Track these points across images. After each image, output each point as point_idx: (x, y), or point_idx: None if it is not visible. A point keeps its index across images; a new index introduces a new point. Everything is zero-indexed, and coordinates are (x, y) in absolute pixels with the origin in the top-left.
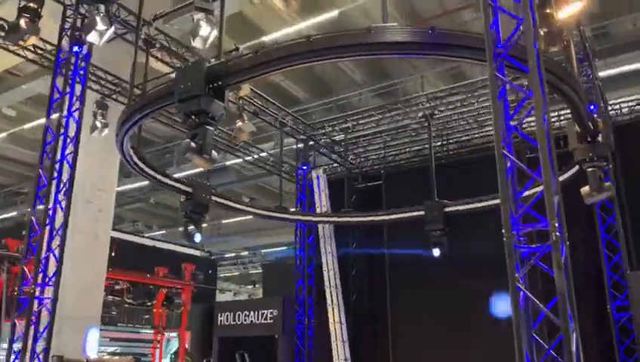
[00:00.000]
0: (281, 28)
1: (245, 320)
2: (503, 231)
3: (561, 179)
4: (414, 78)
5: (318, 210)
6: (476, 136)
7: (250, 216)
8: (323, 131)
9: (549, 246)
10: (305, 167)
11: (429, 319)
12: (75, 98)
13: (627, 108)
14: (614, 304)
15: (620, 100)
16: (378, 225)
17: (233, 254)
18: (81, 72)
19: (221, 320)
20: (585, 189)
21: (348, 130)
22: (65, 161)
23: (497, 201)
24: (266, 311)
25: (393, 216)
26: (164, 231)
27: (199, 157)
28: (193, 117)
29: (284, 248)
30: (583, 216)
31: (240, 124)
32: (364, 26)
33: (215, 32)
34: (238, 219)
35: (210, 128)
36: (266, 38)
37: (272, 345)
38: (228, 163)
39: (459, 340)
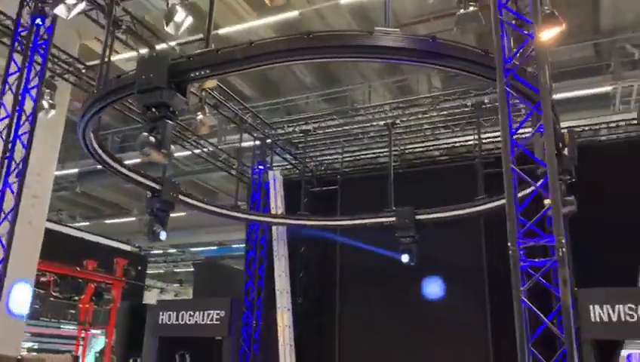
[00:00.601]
0: (235, 24)
1: (189, 320)
2: (509, 244)
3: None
4: (363, 87)
5: (272, 211)
6: (431, 148)
7: (183, 213)
8: (282, 131)
9: (555, 262)
10: (261, 167)
11: (377, 325)
12: (33, 74)
13: None
14: (559, 319)
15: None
16: (332, 229)
17: (161, 251)
18: (42, 47)
19: (163, 319)
20: (548, 202)
21: (308, 132)
22: (18, 141)
23: (468, 211)
24: (212, 312)
25: (360, 221)
26: (87, 223)
27: (157, 152)
28: (153, 109)
29: (215, 248)
30: None
31: (201, 116)
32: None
33: (190, 19)
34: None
35: (170, 122)
36: (218, 32)
37: (216, 347)
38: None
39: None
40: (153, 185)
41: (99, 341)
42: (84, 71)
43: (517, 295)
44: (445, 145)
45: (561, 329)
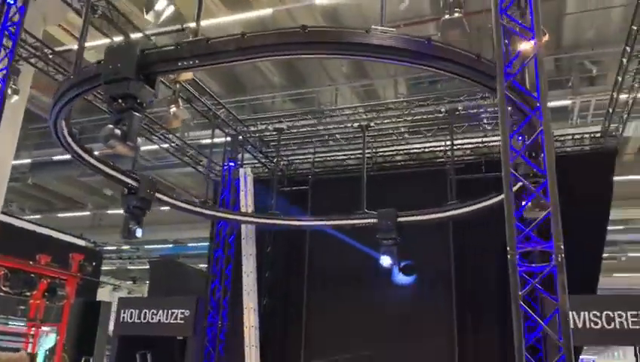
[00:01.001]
0: (204, 18)
1: (152, 319)
2: (508, 248)
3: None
4: (330, 89)
5: (242, 209)
6: (401, 152)
7: None
8: (255, 129)
9: (554, 268)
10: (232, 164)
11: (344, 325)
12: (2, 55)
13: None
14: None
15: None
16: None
17: (114, 247)
18: (13, 28)
19: (124, 317)
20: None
21: (282, 130)
22: None
23: (447, 214)
24: (176, 311)
25: (340, 222)
26: (38, 216)
27: (122, 145)
28: (119, 101)
29: (170, 246)
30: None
31: (174, 109)
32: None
33: (172, 8)
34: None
35: (137, 114)
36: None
37: (178, 347)
38: None
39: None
40: (130, 181)
41: (48, 338)
42: (51, 56)
43: (515, 299)
44: (415, 150)
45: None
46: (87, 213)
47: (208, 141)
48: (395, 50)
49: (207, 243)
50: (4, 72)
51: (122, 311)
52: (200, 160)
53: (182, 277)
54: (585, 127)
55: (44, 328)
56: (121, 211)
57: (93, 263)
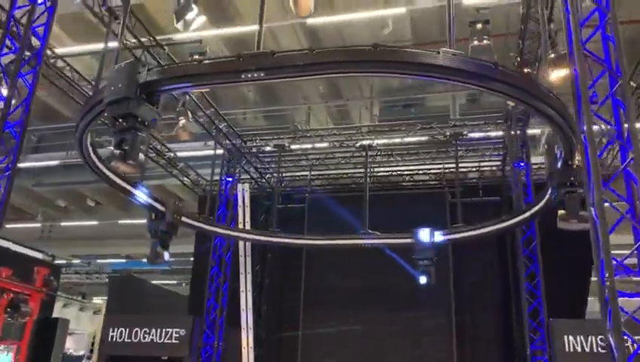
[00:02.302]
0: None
1: (144, 338)
2: (606, 275)
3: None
4: (303, 108)
5: (240, 226)
6: (394, 173)
7: (95, 222)
8: (255, 144)
9: None
10: (230, 179)
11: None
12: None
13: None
14: (532, 347)
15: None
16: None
17: (64, 261)
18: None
19: (113, 336)
20: (562, 213)
21: (284, 147)
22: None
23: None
24: (171, 330)
25: (377, 241)
26: None
27: (124, 164)
28: (121, 120)
29: (124, 260)
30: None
31: (183, 121)
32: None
33: (203, 18)
34: (78, 223)
35: (140, 134)
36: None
37: None
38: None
39: None
40: (157, 206)
41: (7, 357)
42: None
43: (617, 329)
44: (409, 172)
45: None
46: (37, 224)
47: (194, 153)
48: (464, 73)
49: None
50: (32, 75)
51: (111, 329)
52: (188, 173)
53: (141, 294)
54: None
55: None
56: (74, 223)
57: (51, 278)
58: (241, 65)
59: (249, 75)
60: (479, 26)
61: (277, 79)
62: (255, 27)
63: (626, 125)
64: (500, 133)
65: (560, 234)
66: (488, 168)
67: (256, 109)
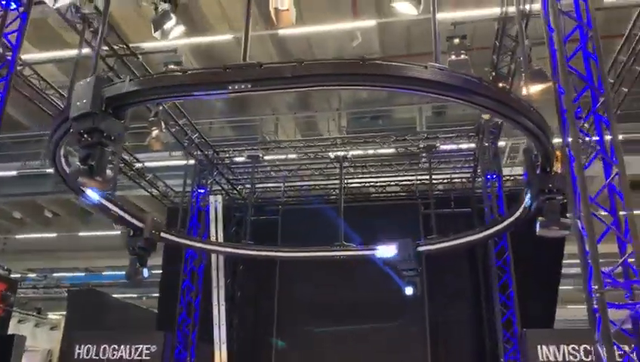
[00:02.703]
0: (146, 39)
1: (113, 355)
2: (595, 287)
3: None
4: (271, 119)
5: (212, 239)
6: (365, 184)
7: (53, 234)
8: (227, 155)
9: None
10: (202, 191)
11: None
12: None
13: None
14: (506, 357)
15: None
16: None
17: (18, 275)
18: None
19: (79, 354)
20: (542, 220)
21: (258, 158)
22: None
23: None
24: (141, 346)
25: (350, 253)
26: None
27: (91, 180)
28: (86, 136)
29: (83, 274)
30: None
31: (157, 132)
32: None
33: (181, 28)
34: (34, 236)
35: (107, 149)
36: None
37: None
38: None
39: None
40: (135, 222)
41: None
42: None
43: (608, 340)
44: (382, 183)
45: None
46: None
47: (160, 164)
48: (451, 87)
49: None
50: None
51: (77, 346)
52: (156, 184)
53: (104, 309)
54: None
55: None
56: (31, 235)
57: (7, 293)
58: (227, 77)
59: (235, 87)
60: (456, 40)
61: (264, 91)
62: (224, 37)
63: (608, 137)
64: (472, 145)
65: (528, 245)
66: (458, 180)
67: (224, 119)
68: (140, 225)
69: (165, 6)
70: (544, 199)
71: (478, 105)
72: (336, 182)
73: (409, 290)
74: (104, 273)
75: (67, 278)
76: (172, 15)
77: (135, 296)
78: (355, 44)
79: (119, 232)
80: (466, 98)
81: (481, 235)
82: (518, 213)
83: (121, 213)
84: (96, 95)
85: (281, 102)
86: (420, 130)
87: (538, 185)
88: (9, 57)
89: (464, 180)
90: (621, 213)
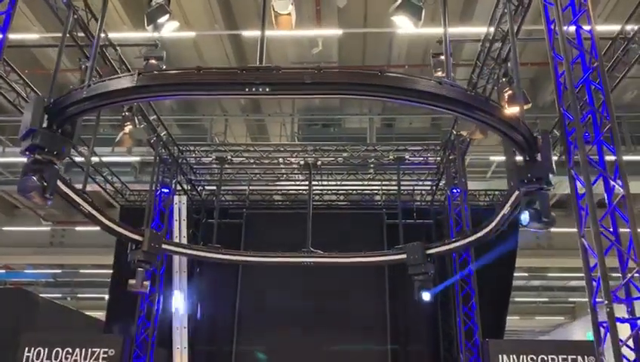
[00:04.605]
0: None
1: (67, 359)
2: (605, 301)
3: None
4: (221, 119)
5: (176, 240)
6: (330, 192)
7: None
8: (194, 155)
9: None
10: (167, 190)
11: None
12: None
13: None
14: None
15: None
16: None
17: None
18: None
19: (28, 357)
20: (531, 212)
21: (225, 160)
22: None
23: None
24: (98, 350)
25: (357, 259)
26: None
27: (41, 197)
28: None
29: (3, 271)
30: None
31: (130, 127)
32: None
33: (175, 24)
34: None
35: (55, 166)
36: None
37: None
38: None
39: None
40: (134, 236)
41: None
42: None
43: (617, 354)
44: (344, 191)
45: None
46: None
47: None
48: (464, 105)
49: (48, 271)
50: None
51: (26, 348)
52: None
53: (32, 310)
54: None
55: None
56: None
57: None
58: (245, 78)
59: (253, 89)
60: (442, 57)
61: (281, 95)
62: (185, 34)
63: (612, 158)
64: (437, 158)
65: (482, 258)
66: (419, 192)
67: (171, 117)
68: (138, 238)
69: (160, 0)
70: (524, 192)
71: (479, 121)
72: (301, 187)
73: (426, 296)
74: (26, 271)
75: None
76: (167, 9)
77: (59, 295)
78: (315, 51)
79: (48, 228)
80: (472, 114)
81: (486, 230)
82: (509, 205)
83: (119, 228)
84: (38, 110)
85: (232, 104)
86: (371, 142)
87: (518, 174)
88: None
89: (424, 192)
90: (621, 229)
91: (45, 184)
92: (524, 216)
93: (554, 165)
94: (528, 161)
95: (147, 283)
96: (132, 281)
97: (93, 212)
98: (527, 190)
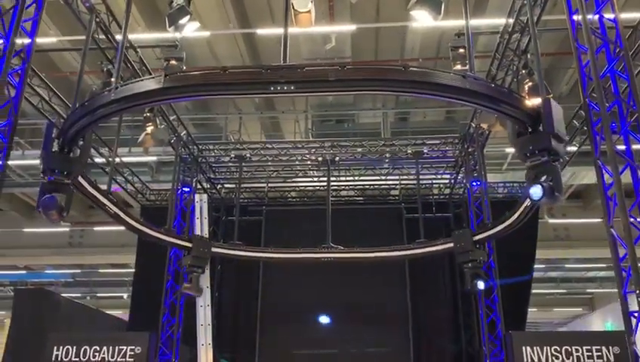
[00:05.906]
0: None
1: (94, 357)
2: (637, 291)
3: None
4: (235, 117)
5: None
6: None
7: None
8: (212, 154)
9: None
10: (188, 189)
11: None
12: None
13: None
14: (491, 359)
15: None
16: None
17: None
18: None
19: (58, 355)
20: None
21: (244, 158)
22: None
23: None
24: (125, 348)
25: (418, 251)
26: None
27: (59, 215)
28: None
29: (23, 272)
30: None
31: (152, 128)
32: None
33: (196, 24)
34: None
35: (70, 188)
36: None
37: None
38: None
39: None
40: (183, 243)
41: None
42: None
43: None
44: (360, 186)
45: None
46: None
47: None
48: (487, 97)
49: (67, 271)
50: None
51: (55, 347)
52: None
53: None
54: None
55: None
56: None
57: None
58: (270, 77)
59: (278, 88)
60: (461, 50)
61: (305, 93)
62: (199, 33)
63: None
64: (455, 151)
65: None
66: (437, 185)
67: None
68: (187, 245)
69: (181, 1)
70: (530, 165)
71: (503, 114)
72: (318, 184)
73: (481, 284)
74: (47, 271)
75: (6, 276)
76: (188, 10)
77: (79, 295)
78: (328, 47)
79: (67, 229)
80: (494, 107)
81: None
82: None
83: (170, 238)
84: (46, 138)
85: (246, 102)
86: (385, 136)
87: (521, 148)
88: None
89: (442, 186)
90: None
91: (63, 205)
92: (535, 190)
93: (562, 132)
94: (531, 133)
95: (202, 286)
96: (187, 284)
97: (137, 225)
98: (532, 163)
